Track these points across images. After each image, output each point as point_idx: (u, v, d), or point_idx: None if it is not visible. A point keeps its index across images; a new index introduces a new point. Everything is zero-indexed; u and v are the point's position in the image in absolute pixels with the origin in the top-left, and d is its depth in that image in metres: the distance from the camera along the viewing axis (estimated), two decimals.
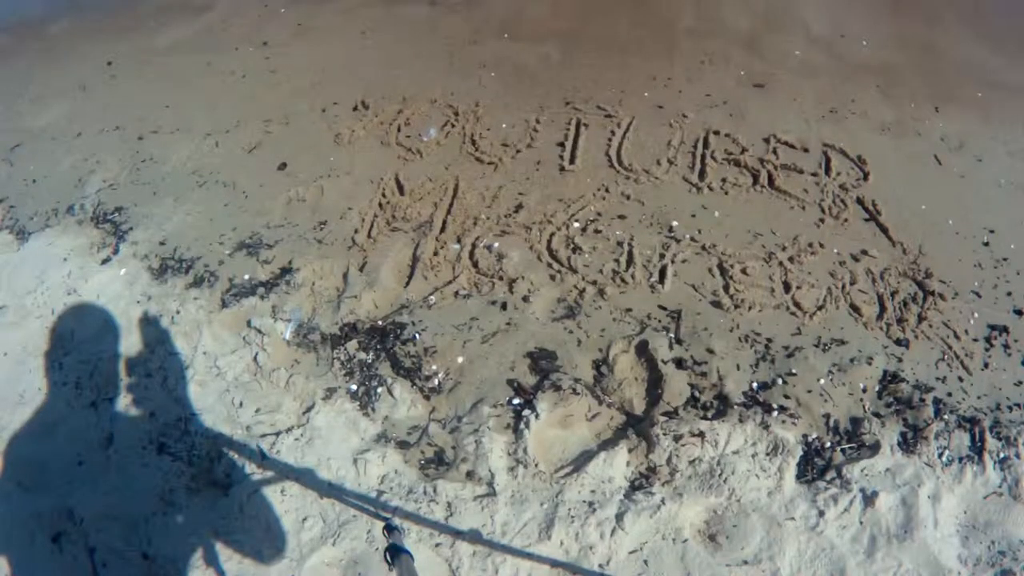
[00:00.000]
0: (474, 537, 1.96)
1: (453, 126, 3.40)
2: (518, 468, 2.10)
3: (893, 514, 1.93)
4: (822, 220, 2.78)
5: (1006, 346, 2.34)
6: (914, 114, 3.32)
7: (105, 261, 2.96)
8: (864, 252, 2.64)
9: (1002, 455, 2.05)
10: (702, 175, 2.99)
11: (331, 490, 2.10)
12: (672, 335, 2.40)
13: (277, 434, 2.26)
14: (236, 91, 3.94)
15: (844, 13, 4.08)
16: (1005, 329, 2.38)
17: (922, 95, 3.43)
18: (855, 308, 2.46)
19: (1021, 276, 2.55)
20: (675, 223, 2.78)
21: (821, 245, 2.66)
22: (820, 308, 2.46)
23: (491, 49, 3.98)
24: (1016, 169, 3.00)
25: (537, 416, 2.19)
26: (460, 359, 2.42)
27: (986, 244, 2.66)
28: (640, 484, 2.05)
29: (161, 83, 4.10)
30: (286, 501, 2.10)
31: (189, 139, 3.62)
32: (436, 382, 2.37)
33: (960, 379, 2.25)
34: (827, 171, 3.01)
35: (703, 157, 3.08)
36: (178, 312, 2.68)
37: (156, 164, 3.49)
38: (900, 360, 2.30)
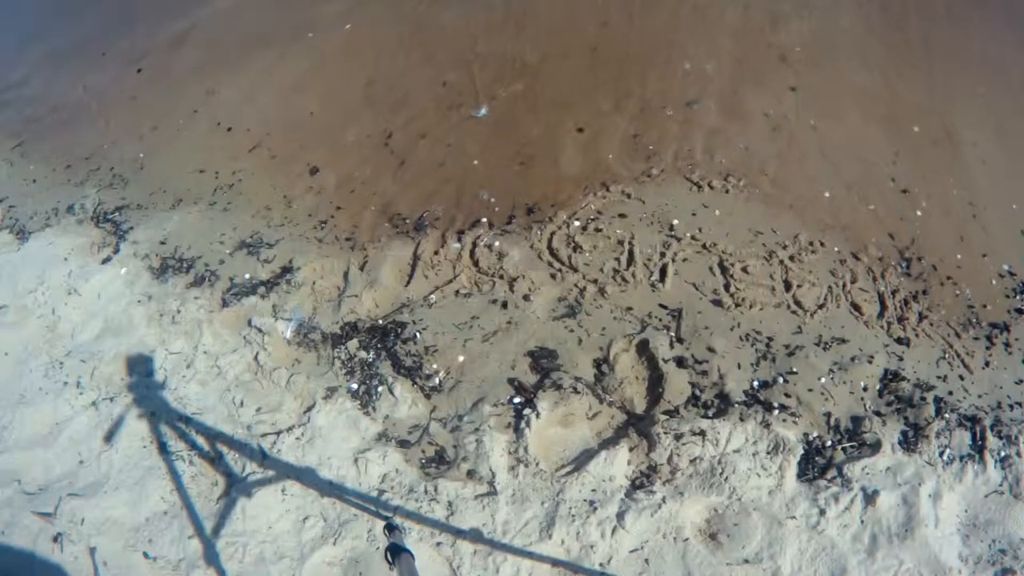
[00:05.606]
0: (475, 536, 1.96)
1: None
2: (519, 467, 2.10)
3: (894, 513, 1.93)
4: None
5: (1007, 344, 2.34)
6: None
7: (106, 260, 2.96)
8: (865, 250, 2.64)
9: (1003, 453, 2.05)
10: (703, 174, 2.99)
11: (332, 489, 2.10)
12: (673, 334, 2.40)
13: (278, 433, 2.26)
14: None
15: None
16: (1006, 327, 2.38)
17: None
18: (856, 306, 2.46)
19: (1022, 274, 2.55)
20: (676, 221, 2.77)
21: (822, 243, 2.66)
22: (821, 307, 2.46)
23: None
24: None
25: (538, 415, 2.19)
26: (461, 358, 2.42)
27: (985, 255, 2.66)
28: (641, 483, 2.05)
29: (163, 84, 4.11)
30: (287, 500, 2.10)
31: (190, 137, 3.62)
32: (437, 381, 2.37)
33: (961, 377, 2.25)
34: None
35: None
36: (179, 311, 2.68)
37: (157, 163, 3.49)
38: (901, 359, 2.30)
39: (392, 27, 4.13)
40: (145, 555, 2.04)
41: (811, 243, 2.66)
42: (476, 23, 4.00)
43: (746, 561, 1.89)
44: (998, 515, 1.94)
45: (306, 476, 2.13)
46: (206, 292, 2.75)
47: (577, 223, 2.81)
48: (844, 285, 2.52)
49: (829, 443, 2.11)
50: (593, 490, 2.03)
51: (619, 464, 2.08)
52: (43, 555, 2.06)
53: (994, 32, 3.71)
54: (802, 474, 2.05)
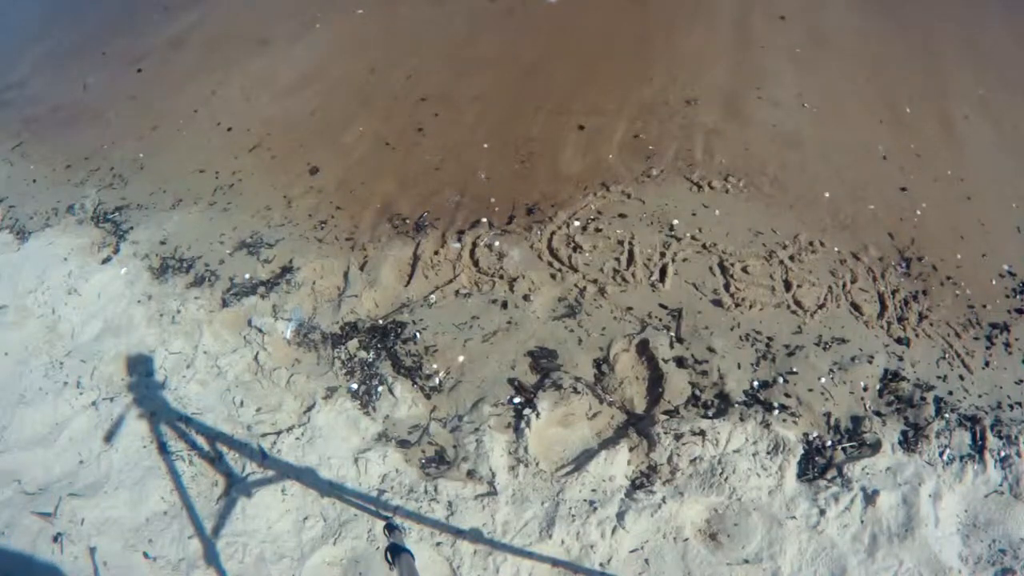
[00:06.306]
0: (475, 536, 1.96)
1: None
2: (519, 467, 2.10)
3: (894, 513, 1.93)
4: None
5: (1007, 344, 2.34)
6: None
7: (106, 260, 2.96)
8: (865, 250, 2.64)
9: (1003, 454, 2.05)
10: (703, 174, 2.99)
11: (332, 489, 2.10)
12: (673, 334, 2.40)
13: (278, 433, 2.26)
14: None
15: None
16: (1006, 327, 2.38)
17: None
18: (856, 306, 2.46)
19: (1022, 274, 2.55)
20: (676, 221, 2.77)
21: (822, 243, 2.66)
22: (821, 307, 2.46)
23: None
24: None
25: (538, 415, 2.19)
26: (461, 358, 2.42)
27: (985, 255, 2.66)
28: (641, 483, 2.05)
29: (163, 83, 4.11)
30: (287, 500, 2.10)
31: (190, 137, 3.62)
32: (437, 381, 2.37)
33: (961, 377, 2.25)
34: None
35: None
36: (179, 311, 2.68)
37: (157, 163, 3.49)
38: (901, 359, 2.30)
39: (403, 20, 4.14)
40: (145, 555, 2.04)
41: (811, 243, 2.66)
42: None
43: (746, 561, 1.89)
44: (998, 515, 1.94)
45: (306, 476, 2.13)
46: (206, 292, 2.75)
47: (577, 223, 2.81)
48: (844, 285, 2.52)
49: (829, 443, 2.11)
50: (593, 490, 2.03)
51: (619, 464, 2.08)
52: (43, 555, 2.06)
53: (993, 32, 3.72)
54: (802, 474, 2.04)
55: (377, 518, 2.03)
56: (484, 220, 2.88)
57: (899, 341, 2.35)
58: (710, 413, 2.18)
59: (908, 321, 2.40)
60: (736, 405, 2.18)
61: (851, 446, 2.10)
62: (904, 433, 2.11)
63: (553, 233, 2.80)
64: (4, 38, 5.00)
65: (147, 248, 2.99)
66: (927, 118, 3.24)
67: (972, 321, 2.41)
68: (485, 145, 3.26)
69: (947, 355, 2.31)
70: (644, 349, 2.37)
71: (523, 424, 2.18)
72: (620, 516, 1.96)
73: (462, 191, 3.05)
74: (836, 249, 2.65)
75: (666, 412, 2.18)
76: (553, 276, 2.64)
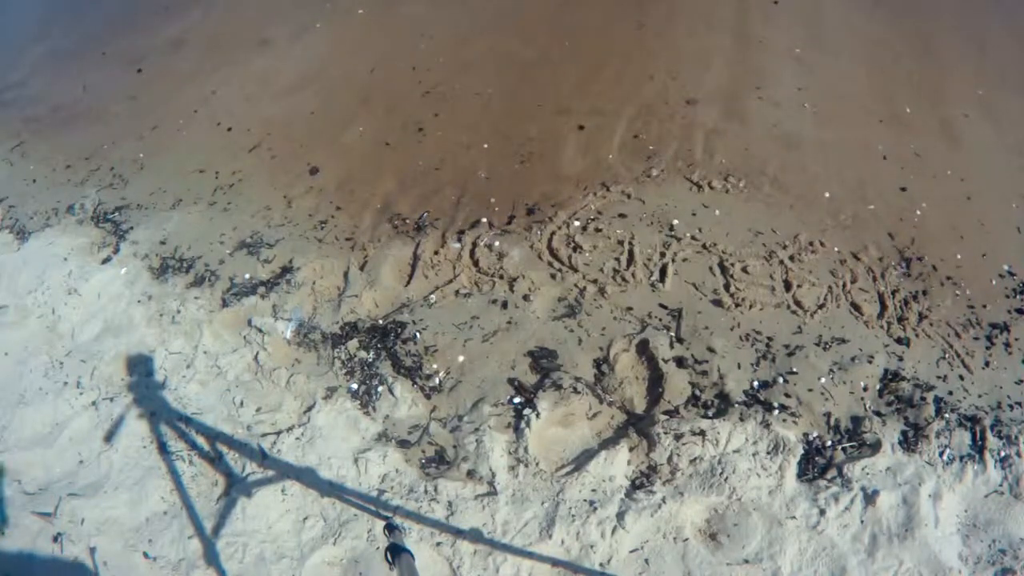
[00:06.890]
0: (475, 536, 1.96)
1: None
2: (519, 467, 2.10)
3: (894, 513, 1.93)
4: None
5: (1007, 345, 2.34)
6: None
7: (106, 260, 2.96)
8: (865, 250, 2.64)
9: (1003, 454, 2.05)
10: (703, 174, 2.99)
11: (332, 489, 2.10)
12: (673, 334, 2.40)
13: (278, 433, 2.26)
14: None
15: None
16: (1006, 327, 2.38)
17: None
18: (856, 306, 2.46)
19: (1022, 274, 2.55)
20: (676, 221, 2.77)
21: (822, 243, 2.66)
22: (821, 307, 2.46)
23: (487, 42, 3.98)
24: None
25: (538, 415, 2.19)
26: (461, 358, 2.42)
27: (985, 255, 2.66)
28: (641, 483, 2.05)
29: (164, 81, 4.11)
30: (287, 500, 2.10)
31: (190, 137, 3.62)
32: (437, 381, 2.37)
33: (961, 377, 2.25)
34: None
35: None
36: (179, 311, 2.68)
37: (157, 163, 3.49)
38: (901, 359, 2.30)
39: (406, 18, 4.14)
40: (145, 555, 2.04)
41: (811, 243, 2.66)
42: None
43: (746, 561, 1.89)
44: (998, 515, 1.94)
45: (306, 476, 2.14)
46: (206, 292, 2.75)
47: (577, 223, 2.81)
48: (844, 285, 2.52)
49: (829, 443, 2.11)
50: (593, 490, 2.03)
51: (619, 464, 2.08)
52: (43, 555, 2.06)
53: (993, 32, 3.71)
54: (802, 474, 2.04)
55: (377, 518, 2.03)
56: (484, 220, 2.88)
57: (899, 341, 2.35)
58: (710, 413, 2.18)
59: (908, 321, 2.40)
60: (736, 405, 2.18)
61: (851, 446, 2.10)
62: (904, 433, 2.11)
63: (553, 233, 2.79)
64: (4, 38, 5.00)
65: (147, 248, 2.99)
66: (927, 118, 3.24)
67: (972, 321, 2.41)
68: (485, 145, 3.26)
69: (947, 355, 2.31)
70: (644, 349, 2.37)
71: (523, 424, 2.18)
72: (620, 516, 1.96)
73: (462, 191, 3.05)
74: (836, 249, 2.65)
75: (666, 412, 2.18)
76: (553, 276, 2.64)
